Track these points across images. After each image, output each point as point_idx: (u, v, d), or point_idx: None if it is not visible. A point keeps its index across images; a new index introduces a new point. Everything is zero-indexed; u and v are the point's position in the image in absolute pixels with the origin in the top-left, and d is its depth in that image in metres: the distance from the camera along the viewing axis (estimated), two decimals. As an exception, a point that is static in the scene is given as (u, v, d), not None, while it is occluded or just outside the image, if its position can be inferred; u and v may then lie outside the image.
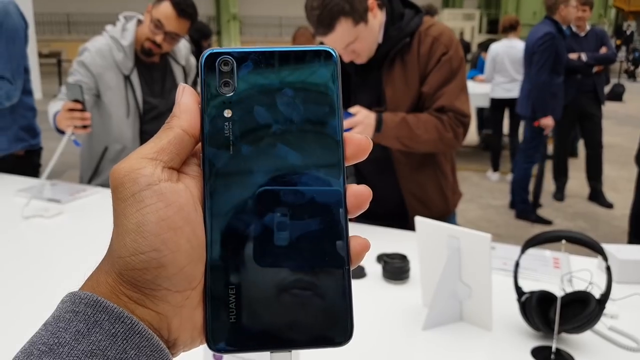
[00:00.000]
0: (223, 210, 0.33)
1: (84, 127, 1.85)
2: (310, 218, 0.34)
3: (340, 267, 0.34)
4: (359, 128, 1.50)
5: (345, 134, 0.34)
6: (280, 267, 0.33)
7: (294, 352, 0.34)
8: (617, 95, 10.46)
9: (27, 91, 2.40)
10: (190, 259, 0.32)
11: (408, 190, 1.74)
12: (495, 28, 20.31)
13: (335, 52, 0.34)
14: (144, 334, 0.30)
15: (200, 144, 0.34)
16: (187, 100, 0.34)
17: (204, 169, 0.33)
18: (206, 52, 0.34)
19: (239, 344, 0.33)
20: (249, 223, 0.33)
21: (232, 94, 0.33)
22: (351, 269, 0.34)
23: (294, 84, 0.34)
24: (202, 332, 0.33)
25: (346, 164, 0.34)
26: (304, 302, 0.33)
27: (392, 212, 1.78)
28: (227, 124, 0.33)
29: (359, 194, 0.34)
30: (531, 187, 4.52)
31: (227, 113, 0.33)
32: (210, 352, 0.34)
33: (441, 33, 1.63)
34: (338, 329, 0.33)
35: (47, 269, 1.45)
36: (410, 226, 1.73)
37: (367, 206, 0.35)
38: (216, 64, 0.34)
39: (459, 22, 19.91)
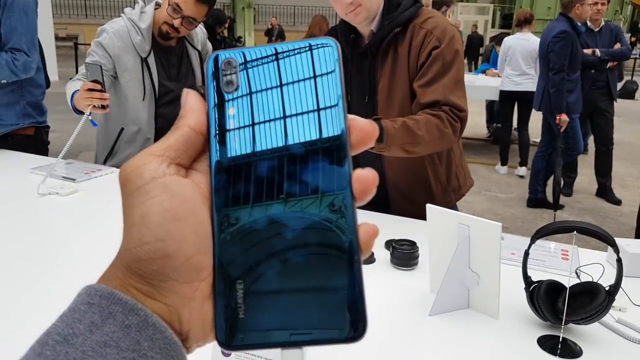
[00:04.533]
0: (230, 204, 0.33)
1: (103, 107, 1.87)
2: (318, 209, 0.33)
3: (350, 258, 0.32)
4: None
5: (349, 120, 0.34)
6: (289, 261, 0.32)
7: (305, 348, 0.33)
8: (629, 92, 10.35)
9: (37, 68, 2.42)
10: (197, 249, 0.32)
11: (392, 183, 1.72)
12: (509, 22, 20.11)
13: (336, 43, 0.35)
14: (157, 326, 0.30)
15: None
16: (192, 101, 0.35)
17: (211, 165, 0.34)
18: (212, 55, 0.35)
19: (249, 341, 0.32)
20: (255, 217, 0.33)
21: (236, 92, 0.34)
22: (362, 259, 0.33)
23: (297, 77, 0.34)
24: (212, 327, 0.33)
25: (352, 153, 0.34)
26: (315, 297, 0.32)
27: (374, 200, 1.76)
28: (232, 121, 0.34)
29: (363, 179, 0.33)
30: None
31: (232, 111, 0.34)
32: (219, 349, 0.34)
33: (436, 26, 1.59)
34: (351, 325, 0.32)
35: (61, 244, 1.47)
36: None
37: (374, 191, 0.33)
38: (219, 64, 0.35)
39: (472, 16, 19.72)
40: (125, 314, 0.30)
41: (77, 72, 2.19)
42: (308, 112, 0.34)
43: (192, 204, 0.32)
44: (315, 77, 0.34)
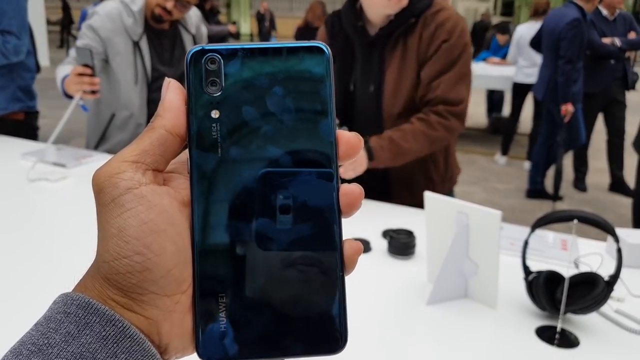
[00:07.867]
0: (211, 214, 0.32)
1: (93, 92, 1.84)
2: (302, 223, 0.32)
3: (333, 273, 0.32)
4: (353, 165, 1.48)
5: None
6: (270, 275, 0.32)
7: None
8: (631, 83, 10.30)
9: (27, 52, 2.39)
10: (176, 261, 0.31)
11: (395, 172, 1.72)
12: (510, 10, 20.07)
13: (327, 48, 0.33)
14: (135, 337, 0.30)
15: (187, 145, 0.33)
16: (171, 97, 0.32)
17: (191, 171, 0.32)
18: (192, 50, 0.32)
19: (229, 353, 0.32)
20: (237, 228, 0.32)
21: (219, 93, 0.32)
22: (345, 276, 0.33)
23: (284, 82, 0.32)
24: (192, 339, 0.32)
25: (339, 164, 0.33)
26: (296, 310, 0.32)
27: (376, 189, 1.74)
28: (214, 125, 0.32)
29: (349, 192, 0.33)
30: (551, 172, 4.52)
31: (215, 114, 0.32)
32: None
33: (447, 19, 1.60)
34: (332, 337, 0.32)
35: (51, 231, 1.45)
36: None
37: (360, 205, 0.33)
38: (202, 61, 0.32)
39: (473, 3, 19.65)
40: (103, 324, 0.29)
41: (68, 53, 2.15)
42: (296, 121, 0.32)
43: (170, 214, 0.31)
44: (305, 84, 0.32)
